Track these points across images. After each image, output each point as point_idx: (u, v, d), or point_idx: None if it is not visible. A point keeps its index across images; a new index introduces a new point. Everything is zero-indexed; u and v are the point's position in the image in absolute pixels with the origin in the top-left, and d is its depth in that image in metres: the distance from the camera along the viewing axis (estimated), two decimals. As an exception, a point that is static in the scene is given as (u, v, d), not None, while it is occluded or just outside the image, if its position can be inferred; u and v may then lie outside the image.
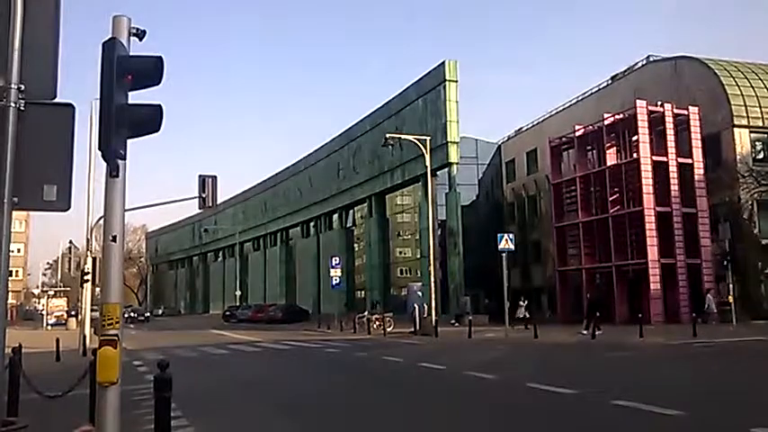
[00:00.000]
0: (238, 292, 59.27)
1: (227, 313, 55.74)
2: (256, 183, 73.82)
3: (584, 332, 22.97)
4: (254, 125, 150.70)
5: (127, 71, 4.41)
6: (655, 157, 30.82)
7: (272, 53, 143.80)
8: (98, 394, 4.45)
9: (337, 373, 13.77)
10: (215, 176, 20.68)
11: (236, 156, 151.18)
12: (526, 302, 32.25)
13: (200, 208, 21.94)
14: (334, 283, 31.73)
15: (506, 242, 24.55)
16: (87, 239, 23.18)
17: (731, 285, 27.28)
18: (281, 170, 66.98)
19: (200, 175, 20.54)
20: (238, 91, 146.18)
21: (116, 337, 4.31)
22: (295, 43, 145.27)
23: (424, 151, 28.58)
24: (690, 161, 31.17)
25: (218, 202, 24.11)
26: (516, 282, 40.09)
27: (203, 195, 20.44)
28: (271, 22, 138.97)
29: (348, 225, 55.37)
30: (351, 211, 55.09)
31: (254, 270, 72.32)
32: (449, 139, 38.46)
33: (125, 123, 4.39)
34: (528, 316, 29.18)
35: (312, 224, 60.51)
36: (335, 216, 55.87)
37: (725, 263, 27.52)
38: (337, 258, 32.86)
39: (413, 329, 26.93)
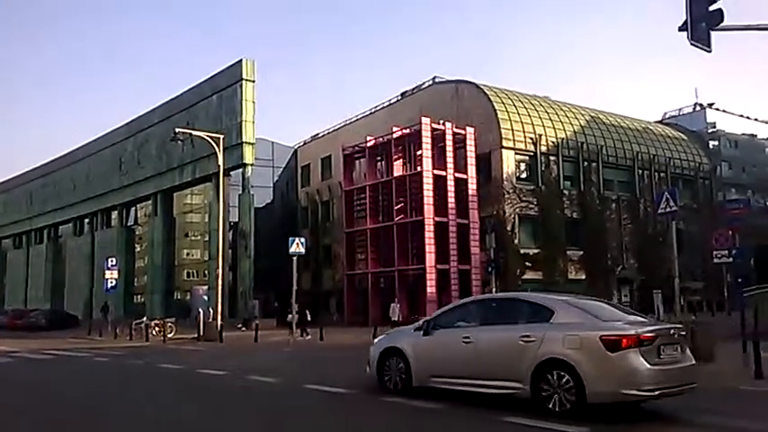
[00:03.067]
0: (-8, 296, 51.76)
1: (-23, 319, 48.19)
2: (21, 172, 65.33)
3: (304, 337, 24.64)
4: (26, 107, 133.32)
5: None
6: (435, 171, 33.34)
7: (57, 26, 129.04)
8: None
9: (104, 384, 12.58)
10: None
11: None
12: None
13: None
14: (108, 285, 29.10)
15: (297, 246, 24.65)
16: None
17: (494, 289, 30.52)
18: (52, 159, 60.03)
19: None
20: (13, 66, 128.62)
21: None
22: (87, 20, 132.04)
23: (217, 150, 27.58)
24: (465, 176, 34.25)
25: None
26: (307, 285, 40.54)
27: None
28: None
29: (129, 223, 51.38)
30: (133, 209, 51.23)
31: (14, 270, 63.86)
32: (244, 140, 37.69)
33: None
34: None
35: (87, 221, 55.08)
36: (115, 213, 51.50)
37: (490, 269, 30.74)
38: (114, 259, 30.19)
39: (196, 335, 25.75)
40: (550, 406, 7.32)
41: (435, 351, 8.81)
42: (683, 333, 7.96)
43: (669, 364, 7.42)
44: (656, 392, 7.22)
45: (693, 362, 7.88)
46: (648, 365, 7.10)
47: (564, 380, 7.28)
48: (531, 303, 8.52)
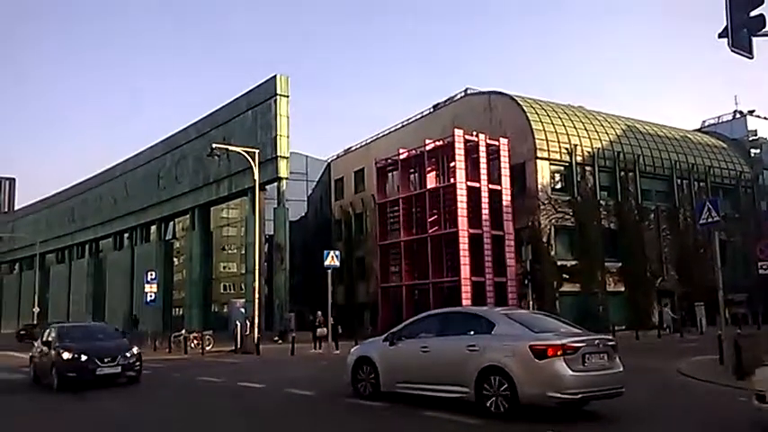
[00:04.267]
0: (36, 309, 53.12)
1: (23, 332, 49.39)
2: (64, 188, 67.29)
3: (324, 348, 24.28)
4: (67, 126, 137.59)
5: None
6: (469, 183, 33.18)
7: (89, 49, 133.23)
8: None
9: (147, 397, 12.82)
10: (13, 179, 18.66)
11: (42, 159, 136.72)
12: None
13: (-8, 213, 19.47)
14: (148, 299, 29.68)
15: (332, 259, 24.87)
16: None
17: (531, 302, 30.20)
18: (93, 175, 61.70)
19: (-7, 177, 18.25)
20: (49, 83, 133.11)
21: None
22: (120, 43, 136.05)
23: (253, 164, 28.00)
24: (499, 188, 34.02)
25: (17, 207, 21.57)
26: (341, 298, 40.66)
27: (-3, 199, 18.18)
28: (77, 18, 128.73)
29: (168, 237, 52.38)
30: (171, 223, 52.23)
31: (58, 284, 65.54)
32: (279, 154, 38.14)
33: None
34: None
35: (126, 235, 56.34)
36: (153, 227, 52.59)
37: (526, 282, 30.42)
38: (153, 273, 30.79)
39: (234, 348, 26.05)
40: (490, 408, 8.27)
41: (399, 359, 9.90)
42: (611, 343, 8.80)
43: (593, 371, 8.23)
44: (579, 396, 8.07)
45: (621, 369, 8.65)
46: (571, 372, 7.96)
47: (501, 384, 8.24)
48: (477, 316, 9.53)
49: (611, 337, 9.19)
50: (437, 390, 9.10)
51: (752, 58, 9.94)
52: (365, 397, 10.15)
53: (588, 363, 8.21)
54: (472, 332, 9.03)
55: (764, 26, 9.81)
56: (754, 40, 9.95)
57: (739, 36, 9.92)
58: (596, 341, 8.61)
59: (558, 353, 8.02)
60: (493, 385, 8.31)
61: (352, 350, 11.29)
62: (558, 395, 7.94)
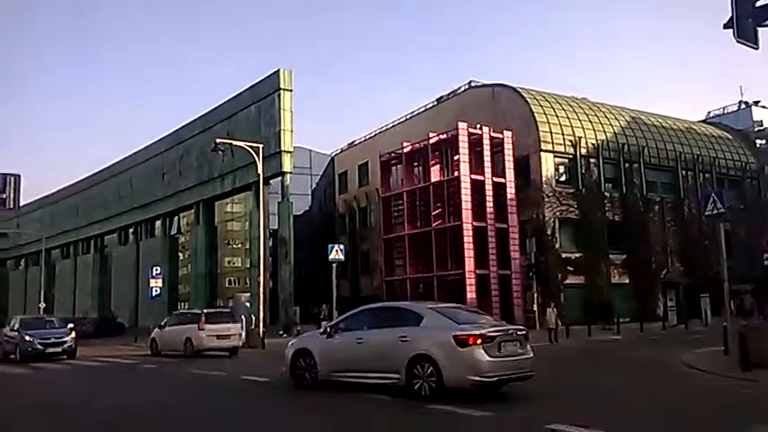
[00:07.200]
0: (42, 305, 53.35)
1: (29, 327, 49.77)
2: (68, 184, 67.46)
3: None
4: (70, 122, 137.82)
5: None
6: (473, 176, 33.13)
7: (94, 48, 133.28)
8: None
9: (156, 390, 12.92)
10: (18, 175, 18.74)
11: (47, 154, 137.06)
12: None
13: (-3, 209, 19.61)
14: (153, 293, 29.83)
15: (337, 253, 24.93)
16: None
17: (535, 294, 30.24)
18: (97, 171, 61.82)
19: (0, 174, 18.41)
20: (50, 83, 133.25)
21: None
22: (121, 40, 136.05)
23: (257, 159, 28.02)
24: (503, 180, 33.95)
25: (22, 203, 21.73)
26: (346, 292, 40.70)
27: (4, 196, 18.38)
28: (89, 16, 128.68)
29: (172, 232, 52.51)
30: (176, 218, 52.34)
31: (63, 280, 65.80)
32: (282, 148, 38.14)
33: None
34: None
35: (131, 230, 56.47)
36: (158, 222, 52.73)
37: (531, 274, 30.44)
38: (158, 267, 30.96)
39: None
40: (419, 391, 9.17)
41: (336, 351, 10.71)
42: (523, 333, 9.92)
43: (508, 357, 9.30)
44: (495, 379, 9.14)
45: (531, 355, 9.68)
46: (489, 358, 9.00)
47: (428, 370, 9.18)
48: (407, 310, 10.54)
49: (522, 327, 10.30)
50: (371, 377, 9.98)
51: (757, 48, 9.89)
52: (305, 386, 10.84)
53: (503, 350, 9.25)
54: (403, 324, 9.95)
55: (770, 16, 9.76)
56: (760, 30, 9.90)
57: (745, 26, 9.86)
58: (510, 331, 9.78)
59: (478, 341, 9.02)
60: (421, 371, 9.23)
61: (290, 343, 12.08)
62: (478, 378, 8.93)
